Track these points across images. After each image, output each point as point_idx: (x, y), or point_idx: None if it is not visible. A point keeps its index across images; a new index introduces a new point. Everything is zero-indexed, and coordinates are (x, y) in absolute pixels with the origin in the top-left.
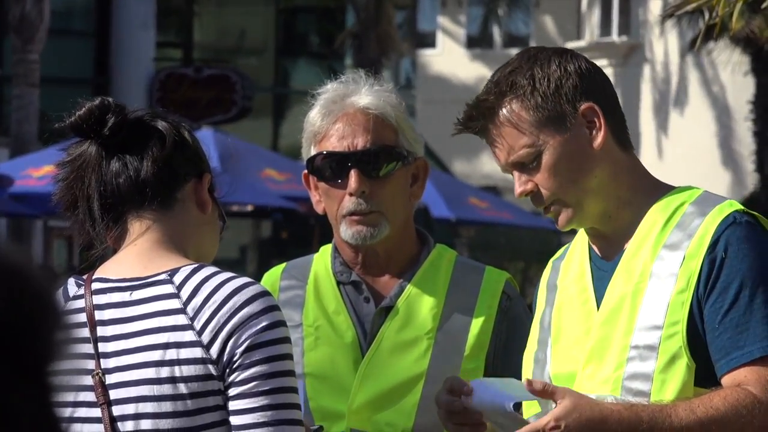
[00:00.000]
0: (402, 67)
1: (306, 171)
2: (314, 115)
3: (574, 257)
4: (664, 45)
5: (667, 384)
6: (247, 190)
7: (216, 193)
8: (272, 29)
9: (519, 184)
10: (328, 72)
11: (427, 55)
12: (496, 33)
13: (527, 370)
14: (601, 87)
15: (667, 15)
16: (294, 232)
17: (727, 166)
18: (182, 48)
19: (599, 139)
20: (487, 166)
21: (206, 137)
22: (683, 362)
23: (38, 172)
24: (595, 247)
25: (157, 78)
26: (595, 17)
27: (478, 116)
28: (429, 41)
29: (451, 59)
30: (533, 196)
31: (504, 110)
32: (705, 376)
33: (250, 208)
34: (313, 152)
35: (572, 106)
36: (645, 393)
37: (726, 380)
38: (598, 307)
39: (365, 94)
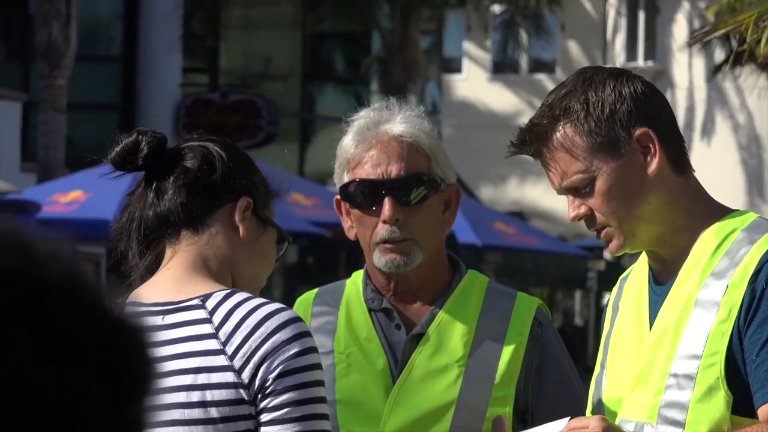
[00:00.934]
0: (428, 92)
1: (338, 197)
2: (348, 142)
3: (635, 278)
4: (689, 70)
5: (703, 415)
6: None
7: (271, 215)
8: (298, 55)
9: (572, 208)
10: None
11: (452, 80)
12: (522, 58)
13: (591, 392)
14: (657, 111)
15: (695, 40)
16: (320, 258)
17: (753, 193)
18: (208, 73)
19: (654, 165)
20: (513, 191)
21: None
22: (720, 394)
23: (65, 197)
24: (653, 270)
25: (183, 103)
26: (620, 42)
27: (532, 140)
28: (455, 66)
29: (477, 84)
30: (587, 219)
31: (557, 135)
32: (743, 407)
33: None
34: (346, 179)
35: (627, 132)
36: (680, 423)
37: (762, 412)
38: (650, 332)
39: (399, 122)
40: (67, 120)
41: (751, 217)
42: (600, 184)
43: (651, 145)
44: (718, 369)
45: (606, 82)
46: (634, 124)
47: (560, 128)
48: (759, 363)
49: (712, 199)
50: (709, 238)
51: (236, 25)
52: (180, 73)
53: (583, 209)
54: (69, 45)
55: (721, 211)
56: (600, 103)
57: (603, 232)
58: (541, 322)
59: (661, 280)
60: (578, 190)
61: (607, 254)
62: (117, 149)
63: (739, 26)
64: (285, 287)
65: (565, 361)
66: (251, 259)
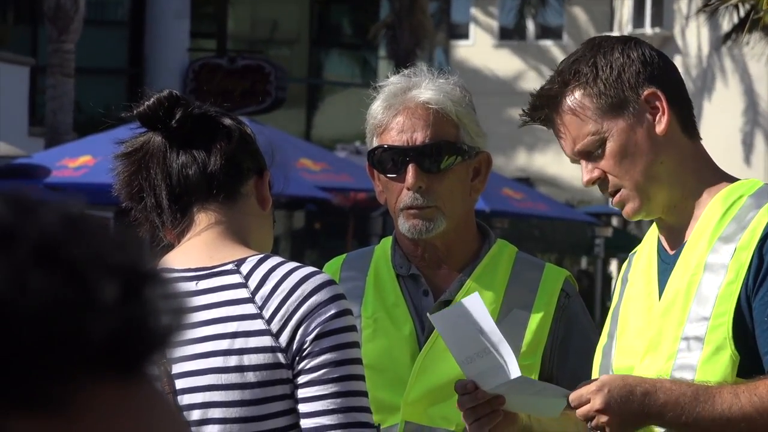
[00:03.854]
0: (435, 58)
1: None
2: (376, 108)
3: (644, 250)
4: (697, 37)
5: (709, 374)
6: (282, 180)
7: (272, 191)
8: (306, 20)
9: (586, 172)
10: (362, 63)
11: (459, 46)
12: (529, 24)
13: (596, 363)
14: (665, 73)
15: (711, 8)
16: (327, 224)
17: (758, 158)
18: (216, 38)
19: (663, 124)
20: (520, 158)
21: None
22: (727, 353)
23: (74, 162)
24: (662, 239)
25: (191, 68)
26: (627, 9)
27: (542, 106)
28: (462, 32)
29: (484, 51)
30: (600, 182)
31: (567, 99)
32: (750, 368)
33: (283, 199)
34: (374, 144)
35: (635, 92)
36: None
37: None
38: (660, 300)
39: (426, 88)
40: (75, 84)
41: (758, 183)
42: (611, 145)
43: (659, 105)
44: (726, 329)
45: (614, 46)
46: (642, 84)
47: (570, 92)
48: None
49: (718, 167)
50: (716, 204)
51: None
52: (188, 38)
53: (596, 173)
54: (77, 9)
55: (728, 179)
56: (608, 66)
57: (617, 196)
58: (569, 293)
59: (670, 248)
60: (590, 154)
61: (614, 221)
62: (148, 104)
63: None
64: (292, 252)
65: (591, 332)
66: (266, 230)
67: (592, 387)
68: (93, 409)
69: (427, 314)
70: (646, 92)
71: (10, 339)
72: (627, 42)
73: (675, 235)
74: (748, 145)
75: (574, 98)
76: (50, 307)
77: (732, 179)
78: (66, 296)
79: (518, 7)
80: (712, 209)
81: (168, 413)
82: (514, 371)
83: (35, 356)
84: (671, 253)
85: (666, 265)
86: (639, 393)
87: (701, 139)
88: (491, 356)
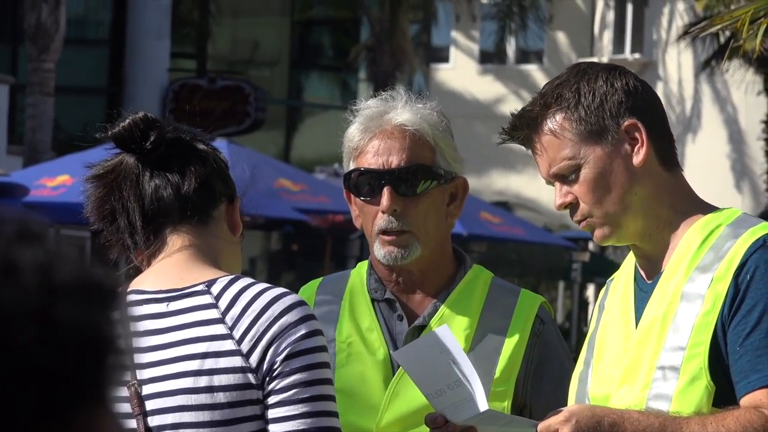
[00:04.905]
0: (415, 81)
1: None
2: (353, 131)
3: (622, 277)
4: (678, 63)
5: (684, 405)
6: (260, 201)
7: (243, 214)
8: (286, 41)
9: (559, 195)
10: (342, 85)
11: (440, 69)
12: (510, 49)
13: (572, 390)
14: (647, 105)
15: (690, 35)
16: (305, 245)
17: (740, 186)
18: (196, 59)
19: (641, 156)
20: (498, 181)
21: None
22: (702, 384)
23: (52, 182)
24: (639, 267)
25: (170, 88)
26: (608, 34)
27: (522, 126)
28: (442, 56)
29: (464, 74)
30: (571, 208)
31: (548, 121)
32: (726, 399)
33: (261, 220)
34: (351, 168)
35: (615, 122)
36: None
37: (744, 402)
38: (636, 328)
39: (403, 111)
40: (54, 103)
41: (736, 212)
42: (586, 172)
43: (639, 136)
44: (702, 360)
45: (599, 74)
46: (623, 114)
47: (551, 115)
48: (742, 354)
49: (698, 197)
50: (694, 233)
51: (225, 10)
52: (168, 58)
53: (569, 197)
54: (58, 28)
55: (707, 208)
56: (591, 93)
57: (586, 222)
58: (543, 320)
59: (647, 277)
60: (565, 178)
61: (591, 245)
62: (123, 125)
63: (735, 22)
64: (269, 274)
65: (565, 359)
66: (236, 256)
67: (560, 417)
68: None
69: (391, 352)
70: (626, 123)
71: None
72: (612, 70)
73: (652, 264)
74: (733, 171)
75: (555, 121)
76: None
77: (712, 207)
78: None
79: (498, 31)
80: (689, 238)
81: None
82: (482, 404)
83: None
84: (648, 281)
85: (643, 293)
86: (606, 423)
87: (681, 170)
88: (461, 388)
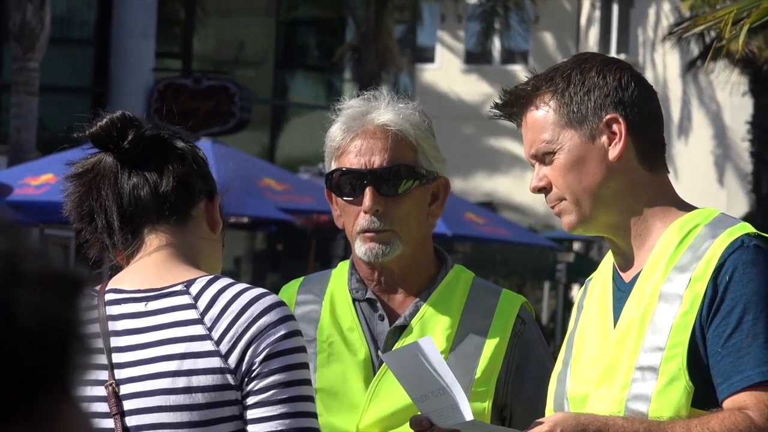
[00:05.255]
0: (401, 81)
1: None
2: (335, 131)
3: (600, 277)
4: (663, 64)
5: (664, 405)
6: (245, 201)
7: (223, 214)
8: (272, 41)
9: (535, 178)
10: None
11: (425, 69)
12: (495, 49)
13: (551, 390)
14: (636, 102)
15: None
16: (289, 245)
17: (724, 186)
18: (182, 59)
19: (617, 151)
20: (484, 182)
21: (204, 148)
22: (681, 384)
23: (36, 180)
24: (617, 267)
25: (155, 88)
26: (593, 34)
27: (512, 103)
28: (428, 56)
29: (450, 74)
30: (545, 192)
31: (535, 101)
32: (704, 399)
33: (245, 219)
34: (333, 167)
35: (597, 114)
36: (644, 414)
37: (727, 404)
38: (615, 328)
39: (386, 111)
40: (39, 103)
41: (714, 213)
42: (559, 157)
43: (618, 131)
44: (681, 360)
45: (595, 65)
46: (606, 107)
47: (538, 97)
48: (724, 355)
49: (679, 198)
50: (672, 233)
51: (210, 10)
52: (153, 58)
53: (543, 182)
54: (43, 28)
55: (686, 209)
56: (581, 82)
57: (557, 207)
58: (524, 320)
59: (625, 277)
60: (543, 160)
61: (576, 246)
62: (101, 124)
63: (718, 22)
64: (253, 274)
65: (546, 359)
66: (216, 253)
67: (544, 427)
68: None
69: (379, 353)
70: (607, 116)
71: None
72: (610, 64)
73: (630, 263)
74: (718, 171)
75: (542, 102)
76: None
77: (691, 209)
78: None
79: (483, 31)
80: (667, 238)
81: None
82: (467, 413)
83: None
84: (627, 281)
85: (621, 293)
86: (592, 431)
87: (668, 172)
88: (445, 396)
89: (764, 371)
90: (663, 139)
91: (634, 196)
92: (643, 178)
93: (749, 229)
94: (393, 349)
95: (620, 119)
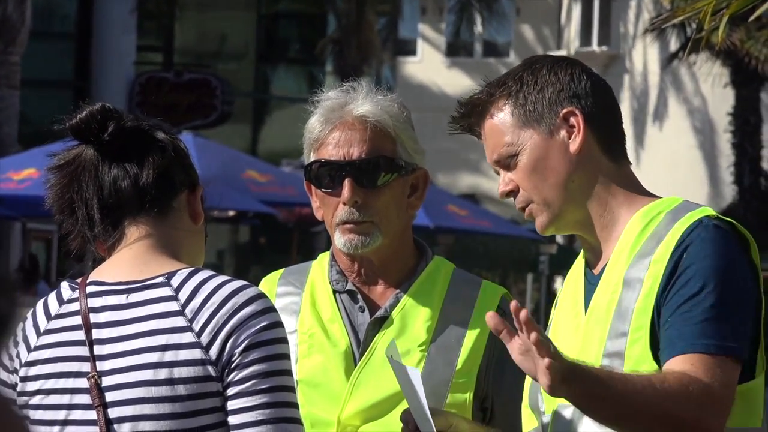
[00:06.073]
0: (382, 74)
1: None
2: (314, 122)
3: (574, 272)
4: (644, 56)
5: None
6: (228, 194)
7: (204, 205)
8: (253, 34)
9: (502, 183)
10: (308, 78)
11: (407, 62)
12: (477, 42)
13: (527, 384)
14: (591, 94)
15: (653, 27)
16: (272, 238)
17: (706, 178)
18: (163, 52)
19: (577, 143)
20: (468, 175)
21: (186, 142)
22: (646, 368)
23: (18, 175)
24: (588, 260)
25: (137, 81)
26: (574, 26)
27: (468, 114)
28: (409, 49)
29: (431, 67)
30: (514, 196)
31: (490, 109)
32: None
33: (231, 213)
34: (311, 159)
35: (553, 109)
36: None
37: (665, 366)
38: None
39: (364, 103)
40: (20, 97)
41: (677, 200)
42: (522, 159)
43: (576, 123)
44: (644, 343)
45: (545, 65)
46: (561, 102)
47: (493, 103)
48: (670, 324)
49: (644, 189)
50: (636, 221)
51: (191, 3)
52: (134, 51)
53: (510, 186)
54: (24, 21)
55: (650, 198)
56: (534, 81)
57: (527, 210)
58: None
59: (595, 268)
60: (507, 165)
61: (559, 238)
62: (81, 116)
63: (697, 14)
64: (236, 267)
65: None
66: (198, 245)
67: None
68: None
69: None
70: (564, 110)
71: None
72: (560, 62)
73: (598, 255)
74: (699, 163)
75: (497, 107)
76: None
77: (654, 198)
78: None
79: (462, 23)
80: (631, 227)
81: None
82: None
83: None
84: (596, 273)
85: (591, 285)
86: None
87: (630, 163)
88: (425, 421)
89: (707, 344)
90: (623, 130)
91: (600, 187)
92: (607, 168)
93: (710, 212)
94: (374, 340)
95: (577, 112)
